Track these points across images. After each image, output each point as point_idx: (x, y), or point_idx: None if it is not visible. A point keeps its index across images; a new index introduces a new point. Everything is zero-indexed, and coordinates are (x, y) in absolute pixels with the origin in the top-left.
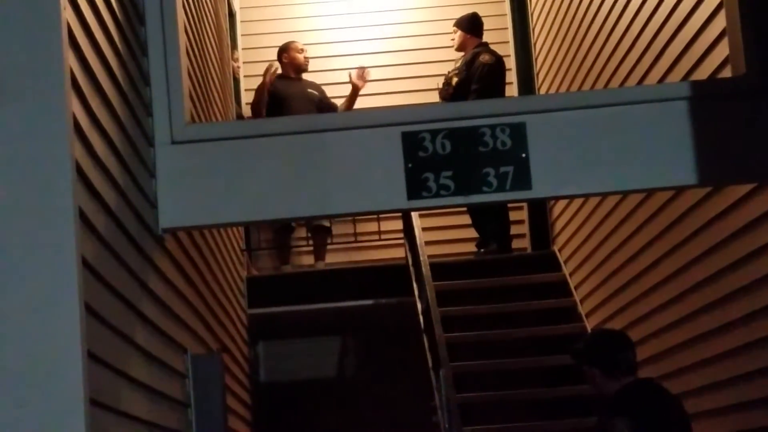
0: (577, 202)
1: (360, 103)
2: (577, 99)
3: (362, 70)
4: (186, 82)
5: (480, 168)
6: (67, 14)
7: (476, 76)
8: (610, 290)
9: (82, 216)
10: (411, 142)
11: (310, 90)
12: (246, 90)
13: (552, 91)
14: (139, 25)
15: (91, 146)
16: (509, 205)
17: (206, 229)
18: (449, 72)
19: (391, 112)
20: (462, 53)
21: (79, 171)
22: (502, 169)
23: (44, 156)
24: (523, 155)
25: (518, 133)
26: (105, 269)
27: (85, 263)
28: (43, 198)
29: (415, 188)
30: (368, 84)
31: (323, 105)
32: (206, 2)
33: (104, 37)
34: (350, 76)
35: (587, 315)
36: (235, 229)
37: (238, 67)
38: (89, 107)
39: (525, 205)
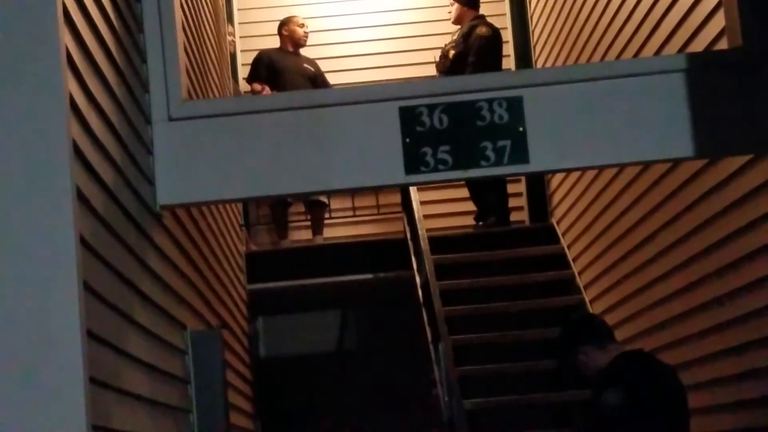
0: (575, 174)
1: (357, 78)
2: (575, 72)
3: None
4: (182, 59)
5: (478, 142)
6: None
7: (473, 49)
8: (609, 262)
9: (80, 195)
10: (408, 117)
11: (306, 65)
12: (243, 65)
13: (549, 64)
14: (135, 1)
15: (88, 125)
16: (507, 178)
17: (204, 206)
18: (446, 45)
19: (388, 86)
20: (459, 26)
21: (77, 150)
22: (500, 143)
23: (41, 135)
24: (521, 129)
25: (515, 106)
26: (103, 247)
27: (83, 242)
28: (41, 177)
29: (413, 163)
30: (366, 58)
31: (319, 82)
32: None
33: (99, 14)
34: None
35: (585, 287)
36: (233, 205)
37: (233, 41)
38: (85, 85)
39: (523, 177)
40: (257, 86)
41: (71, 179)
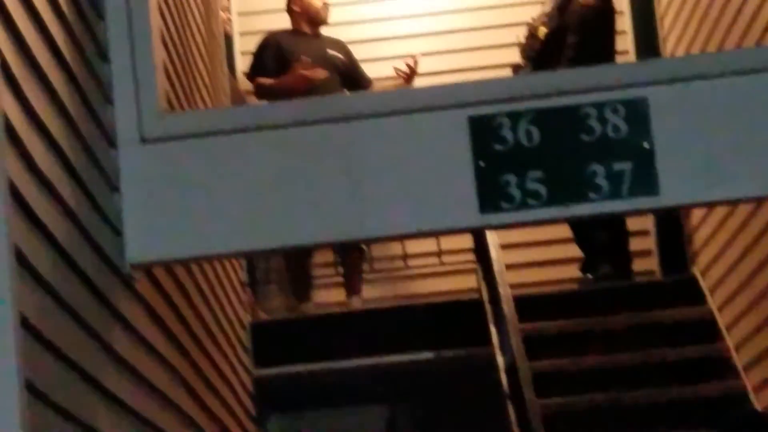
0: (726, 207)
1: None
2: (725, 61)
3: (413, 60)
4: (159, 54)
5: (584, 165)
6: None
7: (574, 24)
8: None
9: (20, 256)
10: (482, 131)
11: (331, 51)
12: (242, 53)
13: (685, 48)
14: None
15: (29, 155)
16: None
17: (192, 262)
18: (534, 19)
19: (452, 88)
20: None
21: (14, 193)
22: (616, 167)
23: None
24: (646, 146)
25: (638, 113)
26: (52, 329)
27: (26, 323)
28: None
29: (491, 197)
30: (418, 40)
31: (351, 73)
32: None
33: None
34: (397, 70)
35: (745, 369)
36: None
37: (229, 19)
38: (24, 98)
39: None
40: (265, 81)
41: (7, 234)
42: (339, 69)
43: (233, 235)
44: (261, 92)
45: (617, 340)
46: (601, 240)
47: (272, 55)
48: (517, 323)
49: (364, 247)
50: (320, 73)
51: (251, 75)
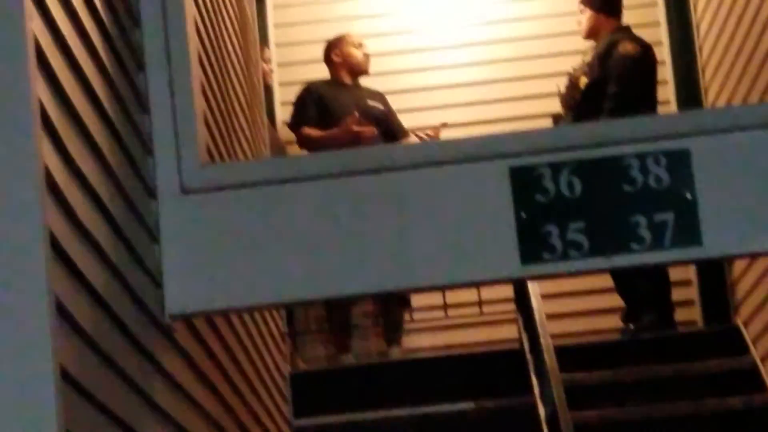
0: None
1: (444, 119)
2: (767, 112)
3: (438, 130)
4: (200, 105)
5: (626, 216)
6: (34, 25)
7: (615, 74)
8: None
9: (60, 307)
10: (524, 182)
11: (371, 102)
12: (282, 104)
13: (726, 97)
14: (133, 27)
15: (69, 206)
16: None
17: (233, 313)
18: (575, 69)
19: (493, 139)
20: (592, 42)
21: (54, 244)
22: (659, 217)
23: (12, 224)
24: (689, 196)
25: (680, 164)
26: (91, 380)
27: (65, 374)
28: (12, 280)
29: (533, 247)
30: (456, 91)
31: (388, 123)
32: None
33: (83, 49)
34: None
35: None
36: None
37: (271, 71)
38: (65, 150)
39: None
40: (313, 133)
41: (47, 286)
42: (378, 119)
43: (274, 286)
44: (305, 143)
45: (659, 391)
46: (643, 290)
47: (314, 105)
48: (558, 373)
49: (408, 297)
50: (369, 130)
51: (294, 125)
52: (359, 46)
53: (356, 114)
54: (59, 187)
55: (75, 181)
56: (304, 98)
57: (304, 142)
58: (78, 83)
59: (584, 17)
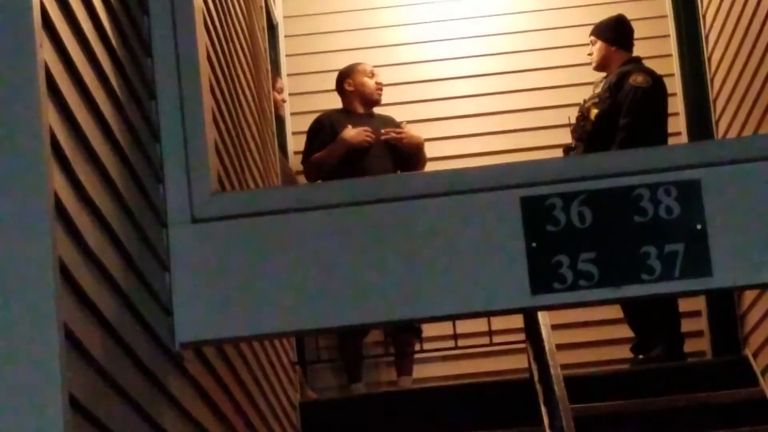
0: None
1: (455, 150)
2: None
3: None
4: (211, 133)
5: (636, 247)
6: (45, 53)
7: (626, 105)
8: None
9: (69, 335)
10: (534, 212)
11: (385, 131)
12: (293, 134)
13: (738, 129)
14: (144, 56)
15: (80, 235)
16: None
17: (243, 341)
18: (586, 101)
19: (504, 169)
20: (604, 74)
21: (64, 271)
22: (669, 248)
23: (21, 253)
24: (699, 227)
25: (691, 195)
26: (101, 408)
27: (75, 403)
28: (22, 308)
29: (542, 277)
30: (467, 122)
31: (402, 152)
32: (237, 14)
33: (94, 77)
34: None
35: None
36: None
37: (283, 101)
38: (75, 178)
39: None
40: (315, 156)
41: (57, 314)
42: (392, 148)
43: (284, 315)
44: (311, 172)
45: (668, 422)
46: (653, 321)
47: (328, 135)
48: (567, 404)
49: (419, 326)
50: (364, 132)
51: (307, 157)
52: (372, 75)
53: (350, 126)
54: (70, 215)
55: (85, 209)
56: (317, 130)
57: (308, 172)
58: (89, 111)
59: (595, 48)
